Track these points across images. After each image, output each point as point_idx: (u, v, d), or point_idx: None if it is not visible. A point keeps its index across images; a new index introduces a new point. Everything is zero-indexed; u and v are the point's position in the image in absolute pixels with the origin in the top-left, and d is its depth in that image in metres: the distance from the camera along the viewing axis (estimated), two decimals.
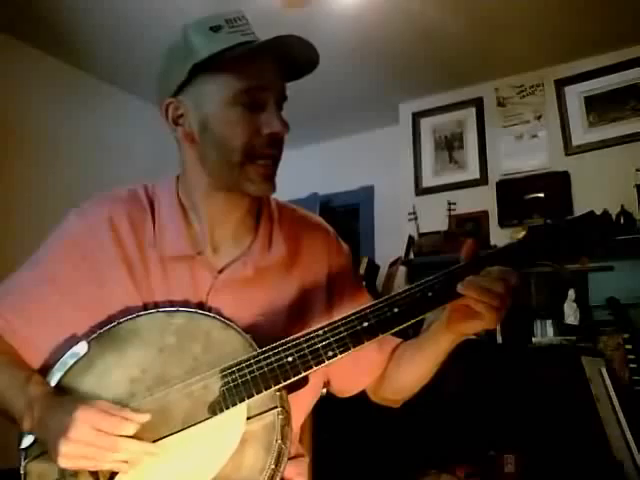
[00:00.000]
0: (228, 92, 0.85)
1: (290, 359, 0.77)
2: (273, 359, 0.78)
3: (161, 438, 0.76)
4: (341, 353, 0.78)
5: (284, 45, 0.85)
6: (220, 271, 0.91)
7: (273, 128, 0.87)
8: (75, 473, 0.76)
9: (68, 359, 0.83)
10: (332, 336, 0.78)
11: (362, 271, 3.26)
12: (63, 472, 0.77)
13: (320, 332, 0.79)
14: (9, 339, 0.88)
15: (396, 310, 0.79)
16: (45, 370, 0.85)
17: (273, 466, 0.75)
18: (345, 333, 0.78)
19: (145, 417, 0.75)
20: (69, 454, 0.72)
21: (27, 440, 0.79)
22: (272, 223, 0.98)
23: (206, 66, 0.85)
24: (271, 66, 0.88)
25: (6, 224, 2.73)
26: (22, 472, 0.79)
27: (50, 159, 3.01)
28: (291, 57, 0.88)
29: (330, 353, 0.77)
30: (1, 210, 2.74)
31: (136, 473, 0.75)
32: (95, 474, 0.76)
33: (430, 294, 0.79)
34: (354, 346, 0.78)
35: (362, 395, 1.05)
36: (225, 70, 0.85)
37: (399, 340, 1.03)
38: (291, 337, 0.79)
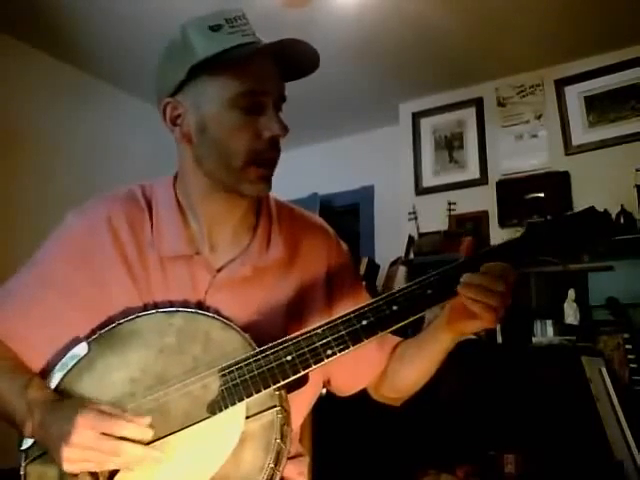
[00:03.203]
0: (227, 94, 0.84)
1: (289, 358, 0.77)
2: (272, 358, 0.78)
3: (161, 438, 0.76)
4: (340, 352, 0.77)
5: (285, 49, 0.85)
6: (218, 270, 0.91)
7: (274, 131, 0.86)
8: (75, 474, 0.76)
9: (68, 360, 0.83)
10: (331, 335, 0.78)
11: (362, 271, 3.26)
12: (63, 473, 0.77)
13: (319, 331, 0.78)
14: (9, 342, 0.88)
15: (395, 308, 0.78)
16: (46, 371, 0.85)
17: (272, 465, 0.75)
18: (344, 332, 0.78)
19: (146, 420, 0.75)
20: (72, 459, 0.72)
21: (27, 441, 0.80)
22: (271, 222, 0.98)
23: (205, 67, 0.84)
24: (271, 68, 0.88)
25: (6, 224, 2.74)
26: (22, 473, 0.79)
27: (50, 159, 3.01)
28: (291, 59, 0.87)
29: (329, 352, 0.77)
30: (1, 210, 2.74)
31: (136, 473, 0.75)
32: (95, 474, 0.76)
33: (429, 292, 0.79)
34: (353, 344, 0.78)
35: (362, 395, 1.04)
36: (225, 72, 0.84)
37: (399, 339, 1.03)
38: (290, 336, 0.79)
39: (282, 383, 0.77)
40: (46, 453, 0.78)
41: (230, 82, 0.84)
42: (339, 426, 2.28)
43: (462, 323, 0.83)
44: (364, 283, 1.10)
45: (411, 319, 0.79)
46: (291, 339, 0.79)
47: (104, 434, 0.71)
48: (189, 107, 0.87)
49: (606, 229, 0.80)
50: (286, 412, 0.78)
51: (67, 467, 0.72)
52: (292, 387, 0.80)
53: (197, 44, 0.84)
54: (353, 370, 0.99)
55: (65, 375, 0.82)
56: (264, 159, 0.87)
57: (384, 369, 1.00)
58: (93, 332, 0.85)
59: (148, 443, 0.75)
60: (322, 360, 0.77)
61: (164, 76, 0.90)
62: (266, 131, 0.86)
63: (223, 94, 0.85)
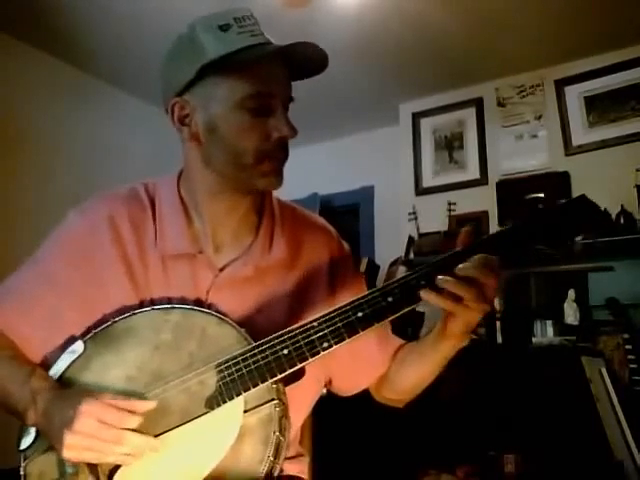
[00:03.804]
0: (236, 96, 0.84)
1: (285, 351, 0.77)
2: (268, 352, 0.78)
3: (160, 434, 0.76)
4: (336, 344, 0.77)
5: (294, 51, 0.85)
6: (221, 270, 0.91)
7: (282, 133, 0.87)
8: (75, 472, 0.77)
9: (65, 359, 0.83)
10: (327, 327, 0.78)
11: (362, 271, 3.26)
12: (63, 472, 0.78)
13: (315, 324, 0.79)
14: (9, 334, 0.88)
15: (390, 299, 0.78)
16: (43, 369, 0.85)
17: (272, 458, 0.75)
18: (340, 324, 0.78)
19: (151, 404, 0.76)
20: (73, 445, 0.72)
21: (26, 441, 0.80)
22: (274, 222, 0.98)
23: (215, 67, 0.83)
24: (280, 69, 0.88)
25: (6, 224, 2.74)
26: (22, 473, 0.79)
27: (50, 159, 3.01)
28: (300, 60, 0.88)
29: (325, 344, 0.77)
30: (1, 210, 2.74)
31: (135, 468, 0.75)
32: (95, 472, 0.76)
33: (423, 282, 0.79)
34: (349, 336, 0.78)
35: (362, 395, 1.04)
36: (234, 72, 0.84)
37: (402, 341, 1.03)
38: (286, 330, 0.79)
39: (279, 376, 0.77)
40: (45, 453, 0.78)
41: (239, 84, 0.84)
42: (339, 426, 2.28)
43: (453, 324, 0.80)
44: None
45: (406, 310, 0.79)
46: (287, 332, 0.79)
47: (106, 423, 0.72)
48: (197, 107, 0.87)
49: (597, 217, 0.80)
50: (284, 405, 0.79)
51: (67, 454, 0.72)
52: (289, 380, 0.80)
53: (207, 44, 0.83)
54: (354, 370, 0.99)
55: (62, 374, 0.82)
56: (272, 157, 0.88)
57: (386, 371, 1.00)
58: (89, 331, 0.85)
59: None
60: (318, 352, 0.77)
61: (171, 74, 0.90)
62: (275, 132, 0.86)
63: (232, 95, 0.85)
